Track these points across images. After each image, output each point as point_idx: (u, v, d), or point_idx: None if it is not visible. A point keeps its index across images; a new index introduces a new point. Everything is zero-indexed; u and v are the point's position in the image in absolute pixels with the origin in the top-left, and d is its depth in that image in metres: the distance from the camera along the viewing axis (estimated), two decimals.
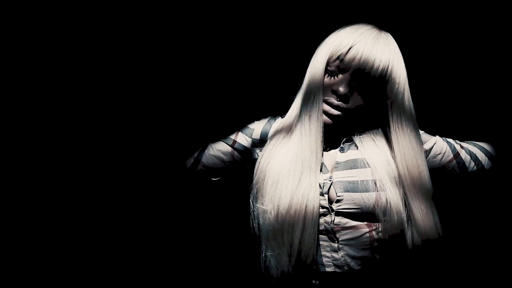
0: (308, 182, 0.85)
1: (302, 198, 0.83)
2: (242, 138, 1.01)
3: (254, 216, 0.91)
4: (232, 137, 1.01)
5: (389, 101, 0.87)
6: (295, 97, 0.95)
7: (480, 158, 0.96)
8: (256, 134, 1.00)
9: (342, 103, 0.86)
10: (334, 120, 0.87)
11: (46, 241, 1.51)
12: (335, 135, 0.93)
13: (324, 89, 0.87)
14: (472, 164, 0.96)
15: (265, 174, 0.89)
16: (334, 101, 0.86)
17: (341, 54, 0.84)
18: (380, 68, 0.83)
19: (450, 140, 0.98)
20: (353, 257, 0.86)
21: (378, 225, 0.85)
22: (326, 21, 1.04)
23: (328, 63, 0.86)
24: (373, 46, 0.83)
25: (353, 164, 0.89)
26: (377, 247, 0.86)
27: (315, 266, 0.86)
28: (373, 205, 0.84)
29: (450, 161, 0.95)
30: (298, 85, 0.95)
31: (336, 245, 0.86)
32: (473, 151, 0.97)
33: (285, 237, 0.84)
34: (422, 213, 0.85)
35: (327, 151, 0.93)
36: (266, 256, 0.88)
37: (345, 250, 0.86)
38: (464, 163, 0.95)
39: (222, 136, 1.04)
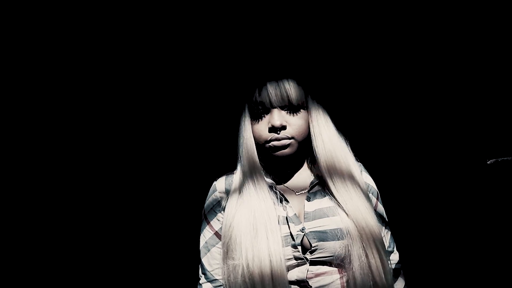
0: (271, 238, 0.85)
1: (266, 255, 0.83)
2: (217, 223, 0.97)
3: (225, 274, 0.89)
4: (211, 233, 0.97)
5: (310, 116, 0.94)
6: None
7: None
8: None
9: (285, 133, 0.91)
10: (287, 149, 0.91)
11: (47, 241, 1.52)
12: (290, 168, 0.98)
13: (259, 133, 0.93)
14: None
15: (230, 232, 0.89)
16: (275, 135, 0.91)
17: (254, 97, 0.92)
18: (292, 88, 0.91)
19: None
20: None
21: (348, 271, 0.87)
22: None
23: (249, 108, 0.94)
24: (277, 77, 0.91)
25: (322, 213, 0.90)
26: None
27: None
28: (344, 253, 0.86)
29: None
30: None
31: None
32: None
33: None
34: (377, 263, 0.86)
35: (296, 194, 0.95)
36: None
37: None
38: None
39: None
